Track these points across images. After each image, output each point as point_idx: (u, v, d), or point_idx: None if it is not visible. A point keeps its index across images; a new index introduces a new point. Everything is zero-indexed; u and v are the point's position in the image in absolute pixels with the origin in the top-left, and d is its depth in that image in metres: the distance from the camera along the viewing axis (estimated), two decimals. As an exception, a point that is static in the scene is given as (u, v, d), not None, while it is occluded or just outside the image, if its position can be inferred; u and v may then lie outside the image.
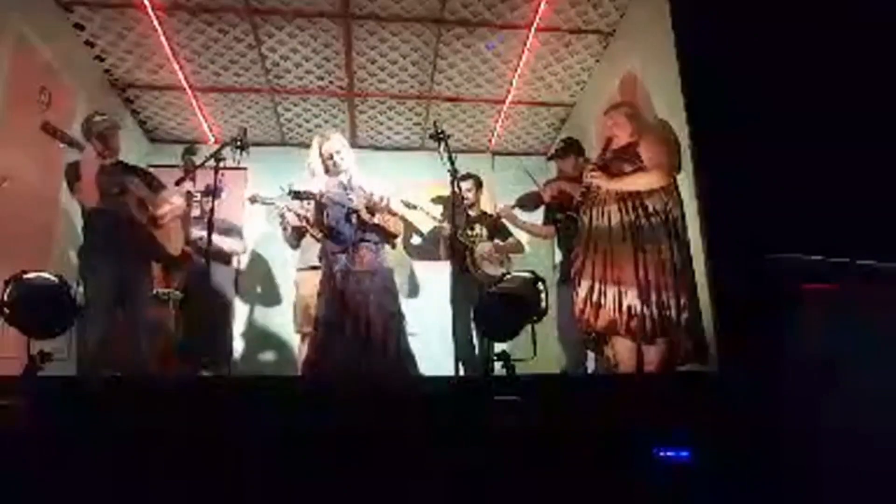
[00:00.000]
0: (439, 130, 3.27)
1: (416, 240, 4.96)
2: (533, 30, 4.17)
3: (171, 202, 3.64)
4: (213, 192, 3.31)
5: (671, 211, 3.25)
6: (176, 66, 4.38)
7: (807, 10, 3.00)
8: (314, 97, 4.89)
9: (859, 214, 2.75)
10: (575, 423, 2.33)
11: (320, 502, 2.17)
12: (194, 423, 2.22)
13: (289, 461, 2.16)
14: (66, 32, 3.97)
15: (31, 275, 2.61)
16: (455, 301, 3.46)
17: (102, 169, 3.40)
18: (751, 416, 2.33)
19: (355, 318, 3.46)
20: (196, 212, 4.09)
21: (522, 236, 4.58)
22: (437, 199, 4.71)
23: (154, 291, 3.77)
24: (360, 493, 2.14)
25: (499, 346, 3.11)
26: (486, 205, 4.79)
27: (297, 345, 4.41)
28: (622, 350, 3.27)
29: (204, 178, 3.67)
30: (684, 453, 2.27)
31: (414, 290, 5.15)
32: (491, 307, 2.97)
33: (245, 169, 4.69)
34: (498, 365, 2.70)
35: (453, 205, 3.52)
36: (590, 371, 3.87)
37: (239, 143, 3.28)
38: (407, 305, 4.64)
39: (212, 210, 3.23)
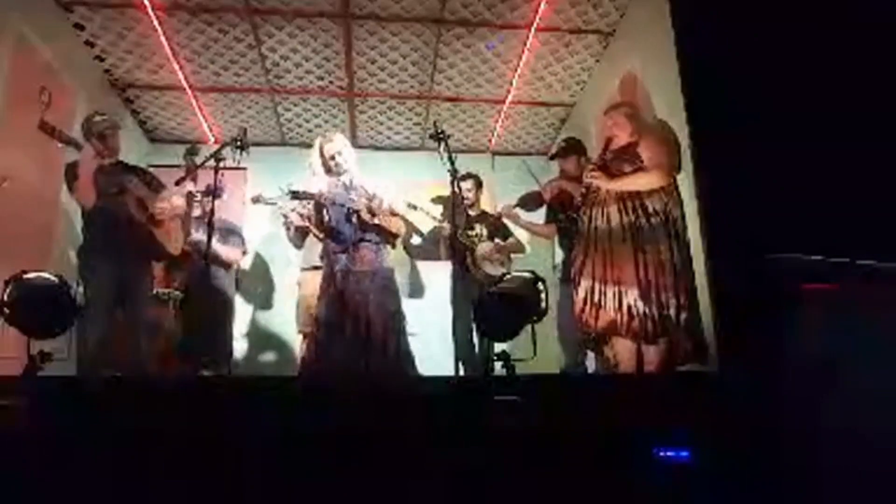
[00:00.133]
0: (439, 130, 3.27)
1: (416, 240, 4.96)
2: (533, 30, 4.17)
3: (171, 202, 3.64)
4: (213, 192, 3.31)
5: (671, 211, 3.25)
6: (176, 66, 4.38)
7: (807, 10, 3.00)
8: (314, 97, 4.89)
9: (859, 214, 2.75)
10: (575, 423, 2.33)
11: (320, 502, 2.17)
12: (194, 423, 2.22)
13: (289, 461, 2.16)
14: (66, 32, 3.97)
15: (31, 275, 2.60)
16: (455, 301, 3.46)
17: (101, 169, 3.41)
18: (751, 416, 2.33)
19: (355, 318, 3.47)
20: (197, 212, 4.09)
21: (523, 236, 4.58)
22: (437, 199, 4.70)
23: (154, 291, 3.77)
24: (360, 493, 2.14)
25: (499, 346, 3.11)
26: (486, 205, 4.79)
27: (299, 344, 4.41)
28: (622, 350, 3.28)
29: (205, 179, 3.67)
30: (684, 453, 2.27)
31: (418, 290, 5.15)
32: (491, 307, 2.96)
33: (245, 169, 4.70)
34: (498, 365, 2.70)
35: (453, 205, 3.52)
36: (590, 371, 3.87)
37: (239, 143, 3.28)
38: (410, 305, 4.65)
39: (212, 211, 3.22)
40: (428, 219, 4.60)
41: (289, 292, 4.65)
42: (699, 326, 3.05)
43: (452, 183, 3.34)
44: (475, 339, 3.97)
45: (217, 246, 3.96)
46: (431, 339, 4.05)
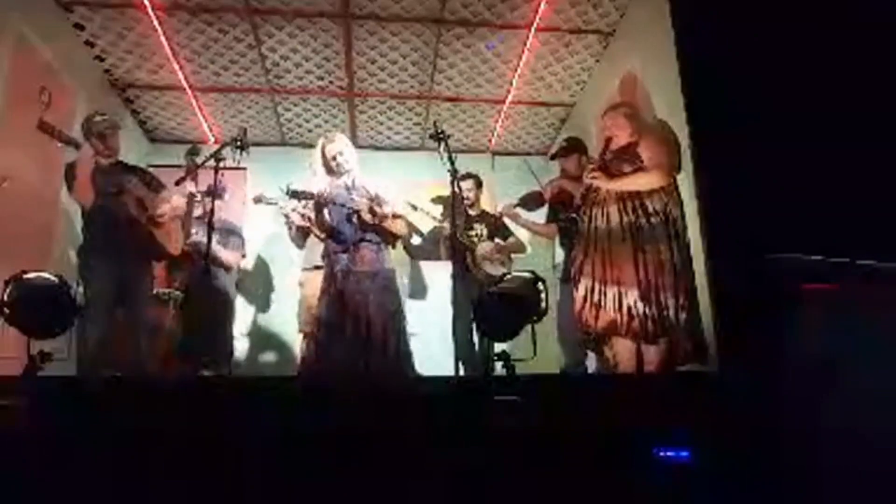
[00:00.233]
0: (439, 130, 3.27)
1: (416, 240, 4.96)
2: (533, 30, 4.17)
3: (171, 202, 3.64)
4: (213, 192, 3.31)
5: (671, 211, 3.25)
6: (176, 66, 4.38)
7: (807, 10, 3.00)
8: (314, 97, 4.89)
9: (859, 214, 2.75)
10: (575, 423, 2.33)
11: (320, 502, 2.17)
12: (194, 423, 2.22)
13: (289, 461, 2.16)
14: (66, 32, 3.97)
15: (31, 275, 2.60)
16: (455, 301, 3.46)
17: (101, 168, 3.41)
18: (751, 416, 2.33)
19: (355, 318, 3.46)
20: (198, 212, 4.09)
21: (524, 235, 4.58)
22: (437, 199, 4.70)
23: (155, 291, 3.77)
24: (360, 493, 2.14)
25: (499, 346, 3.11)
26: (486, 205, 4.79)
27: (299, 344, 4.41)
28: (622, 350, 3.27)
29: (206, 179, 3.66)
30: (684, 453, 2.27)
31: (421, 291, 5.15)
32: (491, 307, 2.96)
33: (245, 169, 4.69)
34: (498, 365, 2.70)
35: (453, 205, 3.52)
36: (590, 371, 3.87)
37: (239, 143, 3.27)
38: (412, 306, 4.65)
39: (212, 211, 3.22)
40: (428, 219, 4.60)
41: (290, 292, 4.64)
42: (699, 326, 3.04)
43: (452, 183, 3.34)
44: (475, 339, 3.97)
45: (217, 247, 3.97)
46: (432, 339, 4.05)
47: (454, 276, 3.56)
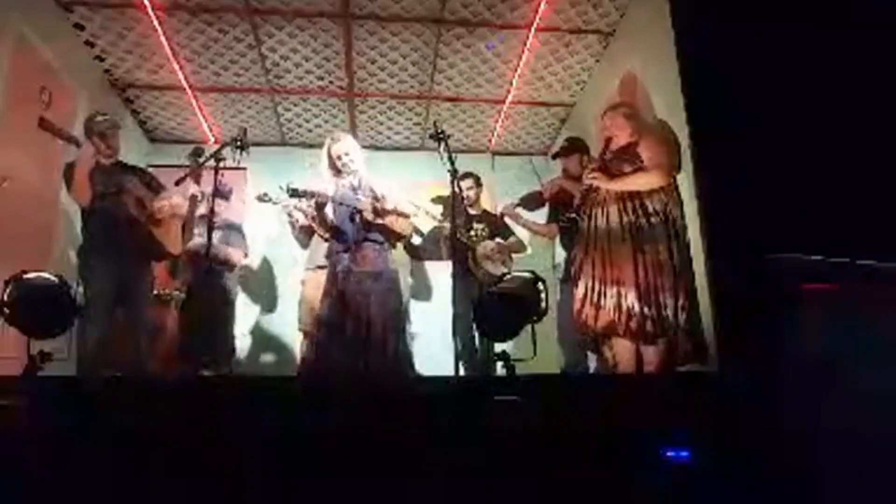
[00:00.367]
0: (439, 130, 3.26)
1: (416, 240, 4.96)
2: (533, 30, 4.17)
3: (171, 201, 3.64)
4: (214, 192, 3.31)
5: (671, 211, 3.25)
6: (176, 66, 4.38)
7: (807, 10, 3.00)
8: (314, 97, 4.89)
9: (859, 214, 2.75)
10: (575, 423, 2.33)
11: (320, 502, 2.17)
12: (194, 423, 2.22)
13: (289, 461, 2.16)
14: (66, 32, 3.97)
15: (31, 275, 2.60)
16: (456, 301, 3.46)
17: (101, 168, 3.41)
18: (751, 416, 2.33)
19: (356, 318, 3.46)
20: (201, 211, 4.08)
21: (524, 235, 4.58)
22: (437, 199, 4.71)
23: (155, 291, 3.77)
24: (360, 493, 2.14)
25: (499, 346, 3.11)
26: (486, 205, 4.79)
27: (300, 343, 4.41)
28: (622, 350, 3.27)
29: (208, 179, 3.67)
30: (684, 453, 2.27)
31: (424, 292, 5.15)
32: (491, 307, 2.96)
33: (245, 169, 4.69)
34: (498, 365, 2.70)
35: (453, 205, 3.53)
36: (590, 371, 3.87)
37: (239, 143, 3.27)
38: (416, 306, 4.64)
39: (212, 211, 3.22)
40: (428, 219, 4.60)
41: (293, 292, 4.64)
42: (699, 326, 3.04)
43: (452, 183, 3.34)
44: (476, 339, 3.97)
45: (219, 246, 3.96)
46: (433, 339, 4.05)
47: (454, 276, 3.56)
